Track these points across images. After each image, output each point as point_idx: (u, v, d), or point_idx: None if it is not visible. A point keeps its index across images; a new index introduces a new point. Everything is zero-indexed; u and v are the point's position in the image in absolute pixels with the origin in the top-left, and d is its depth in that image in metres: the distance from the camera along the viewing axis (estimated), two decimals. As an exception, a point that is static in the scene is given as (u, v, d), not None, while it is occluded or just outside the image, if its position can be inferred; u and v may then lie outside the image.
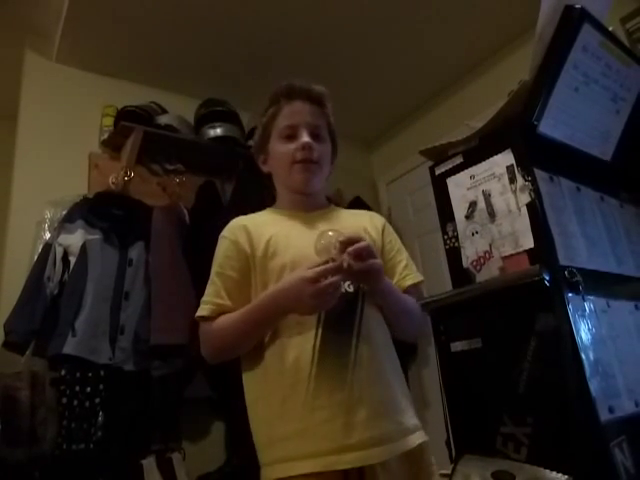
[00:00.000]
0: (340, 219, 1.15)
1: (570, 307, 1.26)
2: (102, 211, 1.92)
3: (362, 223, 1.16)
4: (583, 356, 1.22)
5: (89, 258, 1.80)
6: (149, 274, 1.86)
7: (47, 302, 1.72)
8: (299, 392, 0.95)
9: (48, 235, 1.89)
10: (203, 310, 1.05)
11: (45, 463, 1.54)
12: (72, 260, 1.80)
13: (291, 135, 1.12)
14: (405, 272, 1.15)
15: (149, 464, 1.69)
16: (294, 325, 0.99)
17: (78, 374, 1.65)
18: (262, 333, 1.01)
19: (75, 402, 1.62)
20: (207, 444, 2.01)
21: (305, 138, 1.10)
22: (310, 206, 1.16)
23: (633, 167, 1.70)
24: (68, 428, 1.59)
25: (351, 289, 1.02)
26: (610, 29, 1.54)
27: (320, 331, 0.99)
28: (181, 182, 2.26)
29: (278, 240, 1.07)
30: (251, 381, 1.05)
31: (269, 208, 1.21)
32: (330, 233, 0.94)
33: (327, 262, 0.92)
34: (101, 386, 1.67)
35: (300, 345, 0.99)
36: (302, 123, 1.12)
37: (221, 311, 1.04)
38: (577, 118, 1.50)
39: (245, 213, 1.17)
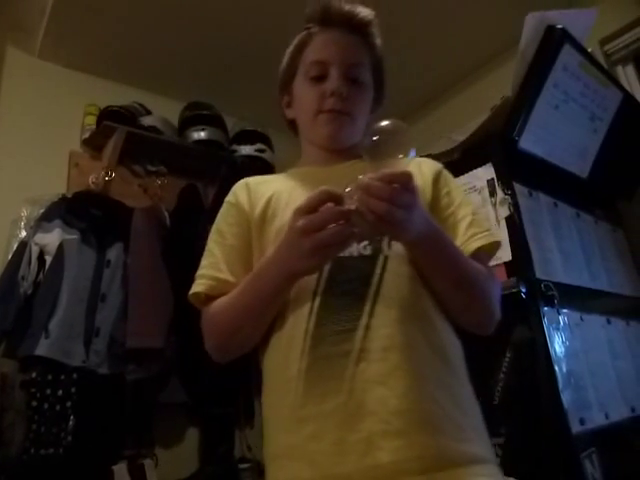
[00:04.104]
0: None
1: (545, 320, 1.28)
2: (81, 211, 1.88)
3: None
4: (556, 368, 1.25)
5: (66, 258, 1.76)
6: (127, 276, 1.83)
7: (20, 302, 1.68)
8: (288, 395, 0.71)
9: (24, 233, 1.84)
10: (197, 286, 0.82)
11: (12, 468, 1.50)
12: (48, 260, 1.76)
13: (320, 75, 0.88)
14: (471, 231, 0.83)
15: (120, 470, 1.65)
16: (292, 299, 0.76)
17: (50, 376, 1.60)
18: (270, 310, 0.76)
19: (45, 405, 1.57)
20: (180, 450, 1.97)
21: (335, 82, 0.86)
22: (335, 162, 0.90)
23: (608, 185, 1.75)
24: (37, 432, 1.54)
25: (367, 251, 0.76)
26: (589, 50, 1.59)
27: (316, 308, 0.73)
28: (163, 184, 2.23)
29: (280, 198, 0.84)
30: (263, 377, 0.82)
31: (292, 169, 0.98)
32: (361, 177, 0.66)
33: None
34: (73, 389, 1.62)
35: (291, 329, 0.74)
36: (335, 60, 0.88)
37: (222, 289, 0.81)
38: (556, 135, 1.53)
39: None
